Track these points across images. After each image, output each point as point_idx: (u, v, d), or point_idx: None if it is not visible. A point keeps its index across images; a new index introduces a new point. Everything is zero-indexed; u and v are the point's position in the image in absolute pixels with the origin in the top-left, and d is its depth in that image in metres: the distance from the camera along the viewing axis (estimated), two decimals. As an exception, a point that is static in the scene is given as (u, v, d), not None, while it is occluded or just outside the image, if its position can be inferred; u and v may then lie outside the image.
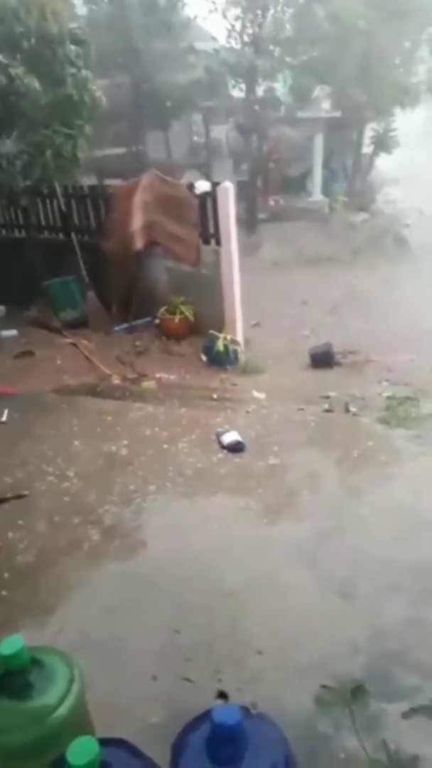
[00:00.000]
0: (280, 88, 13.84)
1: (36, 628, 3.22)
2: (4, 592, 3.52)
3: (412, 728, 2.24)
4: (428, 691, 2.70)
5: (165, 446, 5.06)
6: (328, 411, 5.71)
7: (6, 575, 3.65)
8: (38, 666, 2.00)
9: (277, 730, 2.34)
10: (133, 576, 3.66)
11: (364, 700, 1.96)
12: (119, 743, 2.18)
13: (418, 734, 2.24)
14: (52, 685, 1.96)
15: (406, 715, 1.98)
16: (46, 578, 3.64)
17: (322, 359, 7.15)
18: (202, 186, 7.13)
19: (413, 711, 1.96)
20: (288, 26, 12.39)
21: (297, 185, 13.57)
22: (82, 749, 1.65)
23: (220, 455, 4.94)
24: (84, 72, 6.73)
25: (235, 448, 4.99)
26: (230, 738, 2.02)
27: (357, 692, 1.96)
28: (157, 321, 7.63)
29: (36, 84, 6.23)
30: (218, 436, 5.16)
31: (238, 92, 13.21)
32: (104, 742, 2.00)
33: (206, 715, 2.25)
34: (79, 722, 1.97)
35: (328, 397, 6.00)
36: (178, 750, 2.19)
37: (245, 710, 2.30)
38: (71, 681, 1.98)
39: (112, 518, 4.14)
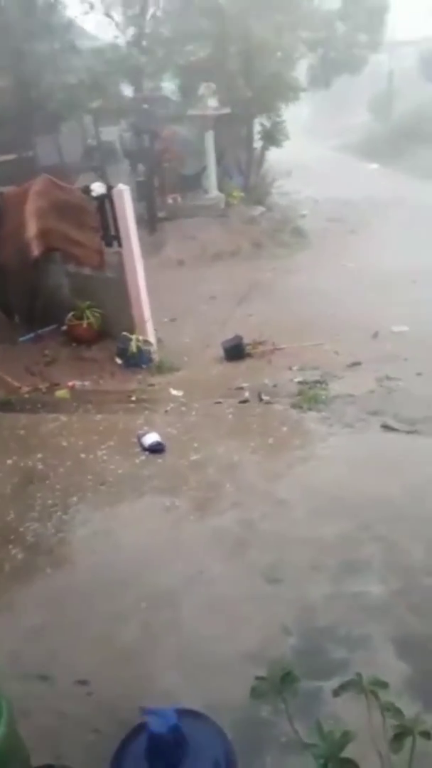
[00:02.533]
0: (168, 86, 13.82)
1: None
2: None
3: (345, 703, 2.31)
4: (357, 662, 2.82)
5: (83, 455, 4.96)
6: (243, 402, 5.80)
7: None
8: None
9: (216, 728, 2.36)
10: (61, 591, 3.58)
11: (294, 686, 1.99)
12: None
13: (352, 708, 2.32)
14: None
15: (335, 693, 2.03)
16: (-31, 607, 3.49)
17: (234, 352, 7.24)
18: (98, 188, 7.01)
19: (342, 688, 2.01)
20: (169, 24, 12.40)
21: (193, 183, 13.61)
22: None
23: (142, 457, 4.91)
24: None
25: (156, 448, 4.97)
26: (168, 743, 2.02)
27: (286, 679, 1.99)
28: (64, 327, 7.45)
29: None
30: (138, 438, 5.13)
31: (128, 92, 13.10)
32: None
33: (144, 722, 2.24)
34: (10, 753, 1.90)
35: (242, 388, 6.09)
36: (118, 761, 2.16)
37: (183, 712, 2.31)
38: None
39: (33, 535, 4.02)
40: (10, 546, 3.93)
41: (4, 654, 3.10)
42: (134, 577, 3.57)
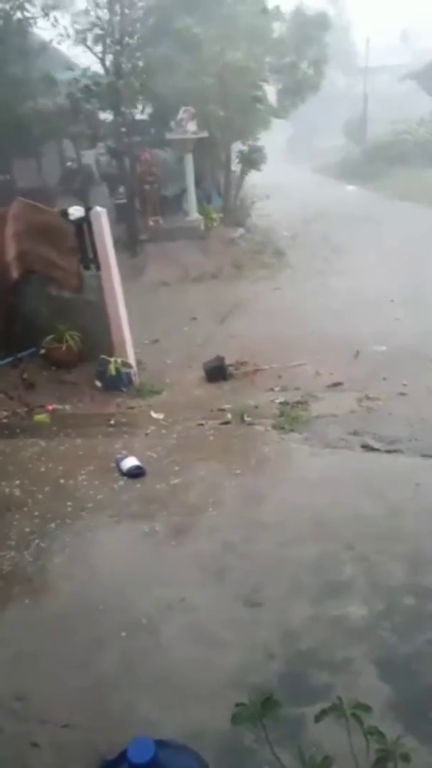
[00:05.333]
0: (147, 110, 14.00)
1: None
2: None
3: (329, 727, 2.27)
4: (340, 686, 2.78)
5: (62, 481, 4.90)
6: (225, 423, 5.78)
7: None
8: None
9: (197, 758, 2.30)
10: (38, 620, 3.50)
11: (275, 712, 1.96)
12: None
13: (335, 733, 2.28)
14: None
15: (317, 719, 2.00)
16: None
17: (216, 373, 7.24)
18: (76, 212, 7.03)
19: (323, 713, 1.99)
20: (145, 51, 12.62)
21: (174, 205, 13.77)
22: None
23: (121, 482, 4.85)
24: None
25: (135, 473, 4.92)
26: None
27: (267, 704, 1.96)
28: (43, 351, 7.41)
29: None
30: (117, 462, 5.07)
31: (106, 116, 13.25)
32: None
33: (122, 754, 2.18)
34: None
35: (224, 410, 6.08)
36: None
37: (162, 743, 2.25)
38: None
39: (10, 564, 3.94)
40: (-15, 577, 3.85)
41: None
42: (113, 605, 3.51)
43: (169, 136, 12.70)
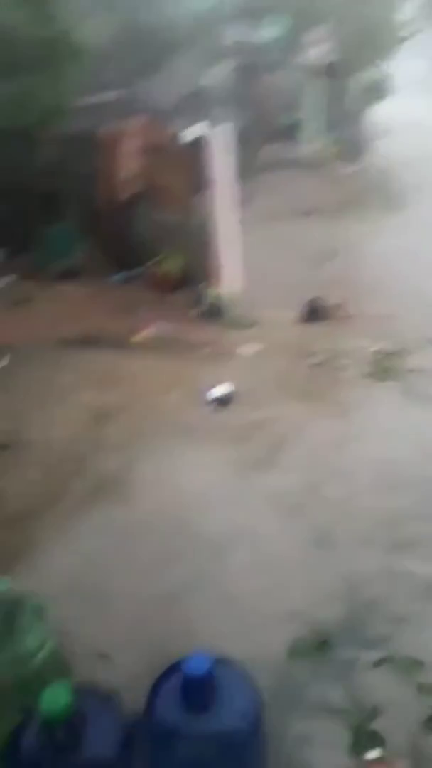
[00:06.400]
0: (274, 31, 13.25)
1: (23, 574, 3.27)
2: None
3: (382, 677, 2.32)
4: (397, 640, 2.79)
5: (155, 399, 5.08)
6: (316, 365, 5.72)
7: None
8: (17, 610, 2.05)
9: (248, 679, 2.42)
10: (117, 525, 3.72)
11: (328, 654, 2.02)
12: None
13: (386, 681, 2.33)
14: (30, 631, 2.02)
15: (376, 664, 2.05)
16: (34, 526, 3.70)
17: (312, 313, 7.12)
18: (195, 131, 6.92)
19: (382, 660, 2.03)
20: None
21: (290, 134, 13.22)
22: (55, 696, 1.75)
23: (211, 407, 4.97)
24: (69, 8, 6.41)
25: (224, 400, 5.02)
26: (200, 686, 2.10)
27: (322, 647, 2.02)
28: (147, 272, 7.53)
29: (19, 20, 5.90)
30: (208, 388, 5.19)
31: (231, 34, 12.69)
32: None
33: (181, 662, 2.32)
34: (53, 669, 2.02)
35: (316, 352, 5.99)
36: (154, 695, 2.27)
37: (218, 659, 2.38)
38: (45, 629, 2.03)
39: (99, 469, 4.18)
40: (77, 477, 4.11)
41: (62, 576, 3.28)
42: (189, 523, 3.65)
43: (294, 59, 12.05)
